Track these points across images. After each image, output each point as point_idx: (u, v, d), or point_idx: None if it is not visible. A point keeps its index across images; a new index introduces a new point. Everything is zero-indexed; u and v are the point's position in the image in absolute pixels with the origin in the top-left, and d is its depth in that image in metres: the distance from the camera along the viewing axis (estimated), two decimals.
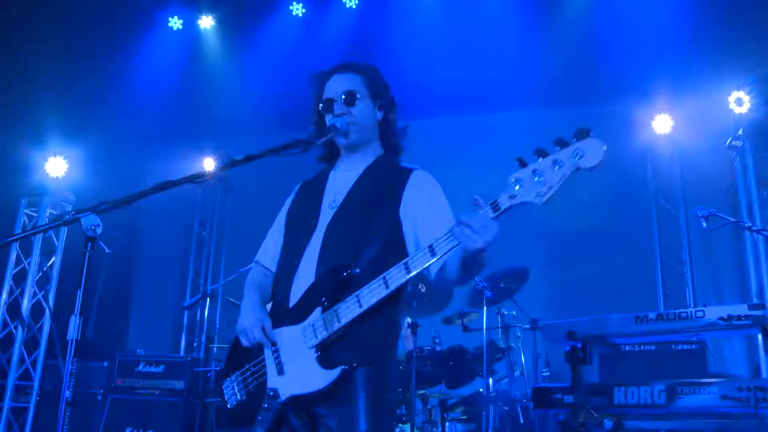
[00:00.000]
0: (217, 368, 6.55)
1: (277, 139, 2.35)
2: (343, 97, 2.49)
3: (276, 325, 2.38)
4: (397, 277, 2.15)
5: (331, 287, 2.26)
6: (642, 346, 4.35)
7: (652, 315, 4.08)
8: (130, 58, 7.86)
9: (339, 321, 2.20)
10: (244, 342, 2.41)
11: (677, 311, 4.04)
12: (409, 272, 2.13)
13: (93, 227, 2.16)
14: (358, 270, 2.25)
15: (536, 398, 4.20)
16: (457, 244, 2.03)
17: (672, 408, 3.67)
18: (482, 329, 5.50)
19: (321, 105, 2.55)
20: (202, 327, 9.14)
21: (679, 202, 7.94)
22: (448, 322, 6.09)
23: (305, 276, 2.36)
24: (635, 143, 8.02)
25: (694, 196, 7.71)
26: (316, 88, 2.59)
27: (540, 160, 1.90)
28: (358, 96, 2.50)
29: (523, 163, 1.93)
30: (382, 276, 2.16)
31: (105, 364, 6.77)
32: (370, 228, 2.33)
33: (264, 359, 2.39)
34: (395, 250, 2.34)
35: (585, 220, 7.88)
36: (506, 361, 5.74)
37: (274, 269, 2.59)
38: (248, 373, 2.43)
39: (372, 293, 2.17)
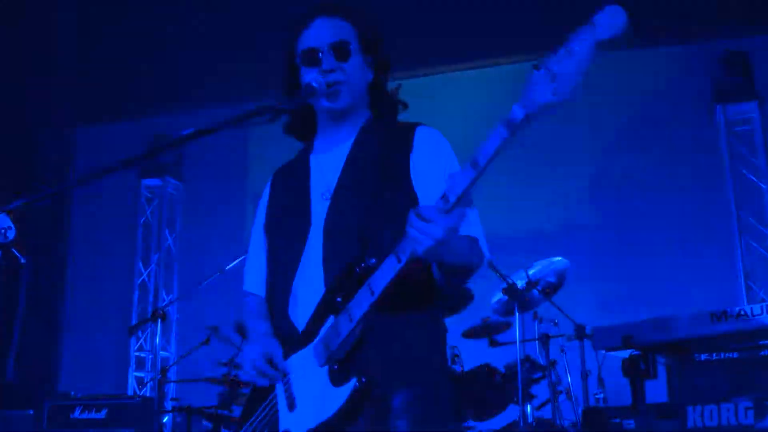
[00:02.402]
0: (176, 409, 6.56)
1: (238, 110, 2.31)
2: (334, 48, 2.44)
3: (287, 354, 2.37)
4: (406, 247, 2.08)
5: (346, 288, 2.24)
6: (720, 353, 4.36)
7: (732, 312, 4.08)
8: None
9: (351, 320, 2.18)
10: (245, 377, 2.44)
11: (764, 305, 4.05)
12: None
13: (3, 231, 2.15)
14: (374, 260, 2.20)
15: (588, 424, 4.22)
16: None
17: (762, 429, 3.69)
18: (515, 342, 5.51)
19: (298, 57, 2.50)
20: (154, 357, 9.16)
21: (762, 167, 7.94)
22: (471, 335, 6.10)
23: (310, 286, 2.35)
24: (699, 92, 8.00)
25: None
26: (290, 36, 2.53)
27: (549, 55, 1.87)
28: (352, 48, 2.47)
29: (536, 68, 1.91)
30: (393, 251, 2.11)
31: (30, 412, 6.76)
32: (382, 208, 2.33)
33: (275, 397, 2.39)
34: None
35: (639, 196, 7.87)
36: (547, 381, 5.75)
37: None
38: (258, 419, 2.42)
39: (384, 273, 2.13)
